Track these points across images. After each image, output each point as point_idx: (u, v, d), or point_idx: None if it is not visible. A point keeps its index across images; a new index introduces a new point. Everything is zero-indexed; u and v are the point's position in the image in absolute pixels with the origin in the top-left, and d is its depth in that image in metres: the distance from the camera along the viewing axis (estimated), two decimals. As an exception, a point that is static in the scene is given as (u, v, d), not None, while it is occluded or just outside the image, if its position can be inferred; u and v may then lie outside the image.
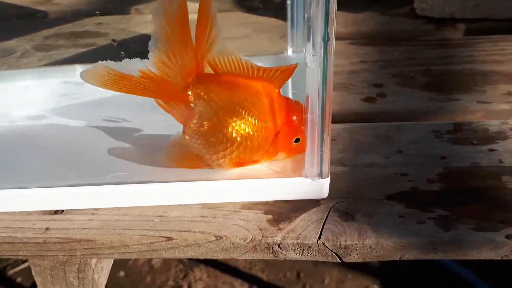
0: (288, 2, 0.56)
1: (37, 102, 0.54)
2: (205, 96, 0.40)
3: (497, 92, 0.56)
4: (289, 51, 0.60)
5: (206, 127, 0.40)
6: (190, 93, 0.40)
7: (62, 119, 0.51)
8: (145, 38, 0.69)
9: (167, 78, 0.39)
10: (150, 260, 1.06)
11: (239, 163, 0.42)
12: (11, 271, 1.06)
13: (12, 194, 0.42)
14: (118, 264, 1.05)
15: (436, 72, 0.60)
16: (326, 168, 0.40)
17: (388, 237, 0.38)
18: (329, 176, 0.41)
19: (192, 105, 0.40)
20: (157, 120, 0.49)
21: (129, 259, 1.06)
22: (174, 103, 0.41)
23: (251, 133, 0.40)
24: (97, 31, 0.72)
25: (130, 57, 0.60)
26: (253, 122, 0.40)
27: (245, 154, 0.41)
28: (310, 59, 0.37)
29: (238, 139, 0.40)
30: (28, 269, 1.07)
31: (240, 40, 0.68)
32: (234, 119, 0.40)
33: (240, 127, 0.40)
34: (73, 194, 0.42)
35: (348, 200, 0.42)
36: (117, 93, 0.55)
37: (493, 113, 0.53)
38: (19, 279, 1.04)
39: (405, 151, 0.47)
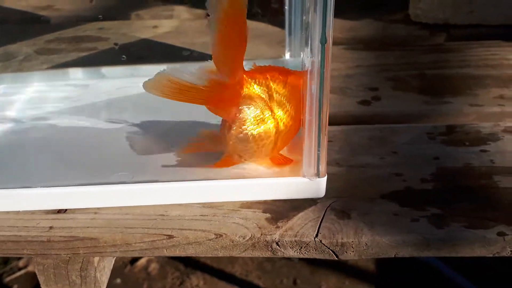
0: (286, 8, 0.57)
1: (41, 104, 0.55)
2: (256, 92, 0.41)
3: (489, 95, 0.57)
4: (287, 56, 0.61)
5: (258, 122, 0.41)
6: (244, 90, 0.41)
7: (65, 120, 0.52)
8: (146, 42, 0.71)
9: (223, 80, 0.39)
10: (147, 267, 1.07)
11: (278, 152, 0.44)
12: (8, 279, 1.05)
13: (16, 194, 0.43)
14: (115, 271, 1.05)
15: (430, 76, 0.62)
16: (323, 167, 0.42)
17: (383, 234, 0.39)
18: (326, 176, 0.42)
19: (243, 102, 0.41)
20: (157, 122, 0.51)
21: (125, 266, 1.06)
22: (229, 105, 0.41)
23: (290, 122, 0.42)
24: (98, 36, 0.74)
25: (132, 61, 0.62)
26: (292, 112, 0.42)
27: (286, 142, 0.43)
28: (308, 61, 0.38)
29: (283, 128, 0.42)
30: (25, 276, 1.07)
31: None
32: (281, 110, 0.42)
33: (286, 118, 0.42)
34: (76, 193, 0.43)
35: (344, 199, 0.43)
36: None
37: (485, 116, 0.54)
38: (15, 287, 1.04)
39: (399, 152, 0.48)
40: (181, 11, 0.82)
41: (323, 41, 0.37)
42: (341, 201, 0.43)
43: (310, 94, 0.39)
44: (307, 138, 0.41)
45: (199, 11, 0.81)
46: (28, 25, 0.81)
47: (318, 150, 0.41)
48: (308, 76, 0.39)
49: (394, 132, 0.51)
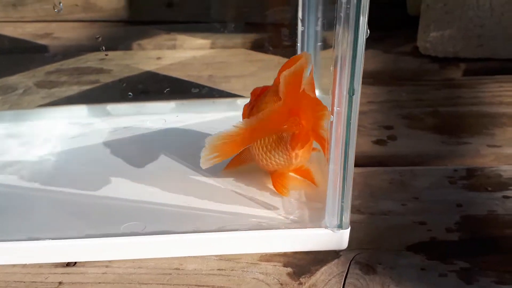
0: (298, 45, 0.56)
1: (43, 145, 0.53)
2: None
3: (506, 135, 0.56)
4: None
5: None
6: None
7: (70, 164, 0.50)
8: (150, 76, 0.69)
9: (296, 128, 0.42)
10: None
11: None
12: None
13: (23, 246, 0.40)
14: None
15: (444, 113, 0.60)
16: (346, 219, 0.40)
17: (411, 291, 0.38)
18: (349, 228, 0.41)
19: None
20: (169, 165, 0.49)
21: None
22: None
23: None
24: (101, 67, 0.72)
25: (136, 95, 0.60)
26: None
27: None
28: (334, 111, 0.37)
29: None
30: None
31: (246, 78, 0.68)
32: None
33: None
34: (86, 246, 0.41)
35: (368, 251, 0.41)
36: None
37: (503, 157, 0.53)
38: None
39: (420, 198, 0.46)
40: (184, 40, 0.80)
41: (351, 92, 0.35)
42: (365, 253, 0.41)
43: (336, 143, 0.37)
44: (331, 187, 0.39)
45: (202, 41, 0.80)
46: (26, 54, 0.79)
47: (342, 202, 0.39)
48: (334, 125, 0.37)
49: (414, 175, 0.49)
